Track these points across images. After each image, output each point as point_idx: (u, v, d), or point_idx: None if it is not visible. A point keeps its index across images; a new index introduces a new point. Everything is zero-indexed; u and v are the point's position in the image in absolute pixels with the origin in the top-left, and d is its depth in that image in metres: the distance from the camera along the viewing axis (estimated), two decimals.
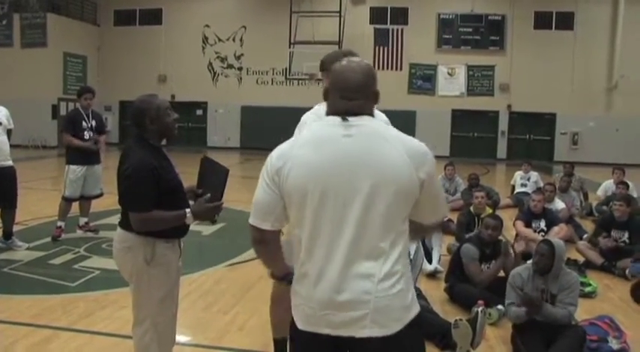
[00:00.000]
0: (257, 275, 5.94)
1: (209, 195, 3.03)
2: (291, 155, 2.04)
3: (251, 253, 6.81)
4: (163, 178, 2.99)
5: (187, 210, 3.02)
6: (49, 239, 6.98)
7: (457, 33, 23.09)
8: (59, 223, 7.08)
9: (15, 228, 6.77)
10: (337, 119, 2.06)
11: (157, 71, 24.43)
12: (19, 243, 6.63)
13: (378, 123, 2.20)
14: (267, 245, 2.18)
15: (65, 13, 23.88)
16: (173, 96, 24.21)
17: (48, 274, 5.62)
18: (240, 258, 6.65)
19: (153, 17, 24.98)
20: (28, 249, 6.64)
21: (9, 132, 6.65)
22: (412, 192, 2.03)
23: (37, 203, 7.33)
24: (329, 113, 2.12)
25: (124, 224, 3.07)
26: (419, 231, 2.27)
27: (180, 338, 4.43)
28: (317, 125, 2.14)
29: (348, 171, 1.99)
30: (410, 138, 2.22)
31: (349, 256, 1.99)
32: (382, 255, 2.00)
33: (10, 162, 6.51)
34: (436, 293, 5.41)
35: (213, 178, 3.16)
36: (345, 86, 2.11)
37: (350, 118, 2.06)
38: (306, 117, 3.70)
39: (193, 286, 5.56)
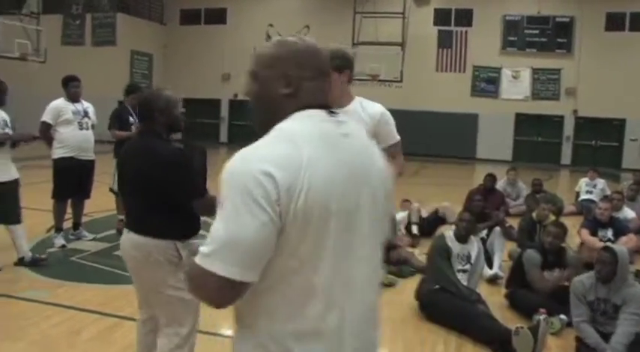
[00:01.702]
0: None
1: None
2: (304, 160, 1.38)
3: None
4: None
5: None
6: (113, 231, 7.20)
7: (523, 35, 22.58)
8: (120, 217, 7.31)
9: (82, 219, 7.05)
10: (323, 113, 1.55)
11: (221, 69, 24.83)
12: (86, 234, 6.90)
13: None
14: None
15: (134, 12, 24.58)
16: (236, 95, 24.59)
17: (113, 265, 5.79)
18: None
19: (217, 16, 25.40)
20: (94, 239, 6.90)
21: (93, 127, 6.96)
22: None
23: (101, 196, 7.56)
24: (304, 106, 1.53)
25: (140, 228, 2.89)
26: None
27: (229, 332, 4.51)
28: (309, 120, 1.50)
29: (354, 183, 1.48)
30: None
31: (366, 301, 1.55)
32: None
33: (93, 156, 6.78)
34: (496, 299, 5.32)
35: (197, 163, 3.07)
36: (326, 70, 1.64)
37: (337, 112, 1.60)
38: None
39: None
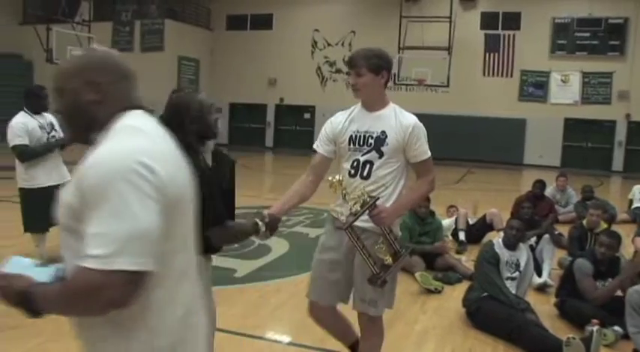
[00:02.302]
0: None
1: None
2: (164, 151, 1.54)
3: None
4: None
5: (257, 220, 2.82)
6: None
7: (572, 38, 22.08)
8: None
9: None
10: (144, 112, 1.63)
11: (267, 75, 25.02)
12: None
13: None
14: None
15: (181, 18, 25.00)
16: (282, 100, 24.76)
17: None
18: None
19: (264, 22, 25.62)
20: None
21: None
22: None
23: None
24: (118, 109, 1.56)
25: None
26: None
27: (284, 338, 4.54)
28: (142, 117, 1.59)
29: (186, 173, 1.66)
30: None
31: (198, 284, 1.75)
32: None
33: None
34: (545, 308, 5.20)
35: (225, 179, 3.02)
36: (130, 73, 1.65)
37: (153, 110, 1.69)
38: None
39: (300, 287, 5.62)
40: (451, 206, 8.42)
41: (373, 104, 3.15)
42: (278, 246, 7.26)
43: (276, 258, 6.80)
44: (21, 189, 5.67)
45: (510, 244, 4.96)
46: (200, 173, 2.49)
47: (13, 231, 6.01)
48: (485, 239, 7.36)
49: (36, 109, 5.67)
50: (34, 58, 23.80)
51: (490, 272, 4.79)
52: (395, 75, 20.85)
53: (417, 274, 5.71)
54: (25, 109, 5.65)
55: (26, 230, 5.78)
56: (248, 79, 24.85)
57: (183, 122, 2.64)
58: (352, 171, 3.10)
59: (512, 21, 22.48)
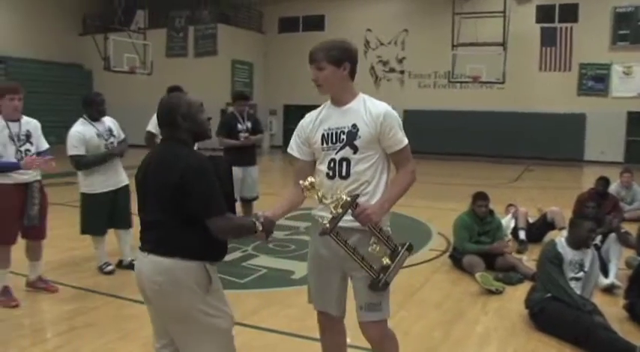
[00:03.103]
0: (422, 280, 5.89)
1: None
2: None
3: (416, 258, 6.76)
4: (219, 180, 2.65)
5: (254, 219, 2.70)
6: None
7: (636, 27, 21.20)
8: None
9: None
10: None
11: None
12: None
13: None
14: None
15: (233, 23, 25.32)
16: None
17: (219, 270, 5.82)
18: (406, 262, 6.56)
19: (316, 23, 25.68)
20: None
21: None
22: None
23: None
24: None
25: (164, 249, 2.55)
26: None
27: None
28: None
29: None
30: None
31: None
32: None
33: None
34: (613, 310, 4.98)
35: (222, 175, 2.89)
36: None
37: None
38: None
39: None
40: (510, 205, 8.22)
41: (340, 98, 2.99)
42: None
43: None
44: (81, 194, 5.85)
45: (574, 243, 4.77)
46: (200, 160, 2.56)
47: (78, 233, 6.18)
48: (547, 238, 7.17)
49: (94, 116, 5.80)
50: (93, 67, 24.58)
51: (553, 273, 4.63)
52: (449, 72, 20.59)
53: (477, 275, 5.59)
54: (84, 116, 5.79)
55: (83, 232, 5.94)
56: (301, 81, 24.86)
57: (175, 120, 2.65)
58: (330, 173, 2.93)
59: (570, 13, 21.83)
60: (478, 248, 6.14)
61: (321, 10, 25.49)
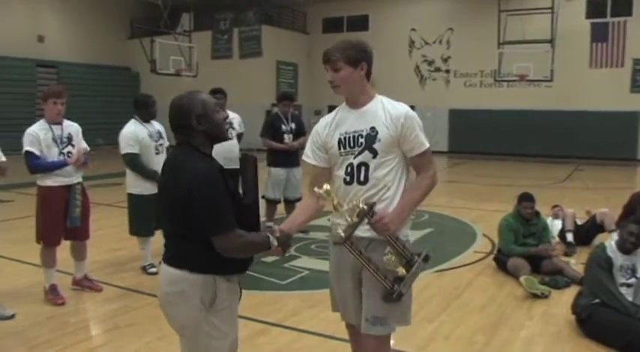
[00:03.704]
0: (465, 283, 5.79)
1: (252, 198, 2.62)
2: None
3: (460, 260, 6.66)
4: (230, 193, 2.46)
5: (269, 234, 2.55)
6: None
7: None
8: (268, 224, 7.46)
9: None
10: None
11: None
12: None
13: None
14: None
15: (277, 24, 25.46)
16: None
17: (261, 271, 5.92)
18: (448, 264, 6.51)
19: (360, 23, 25.58)
20: None
21: (240, 136, 7.22)
22: None
23: None
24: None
25: (174, 259, 2.47)
26: None
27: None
28: None
29: None
30: None
31: None
32: None
33: (238, 165, 7.01)
34: None
35: (247, 175, 2.80)
36: None
37: None
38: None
39: None
40: (555, 205, 8.01)
41: (357, 100, 2.87)
42: None
43: None
44: (129, 195, 5.95)
45: (626, 248, 4.60)
46: (206, 172, 2.38)
47: (124, 234, 6.30)
48: (596, 241, 6.96)
49: (145, 117, 5.94)
50: (140, 70, 25.09)
51: (602, 278, 4.47)
52: (495, 71, 20.24)
53: (521, 278, 5.44)
54: (136, 117, 5.92)
55: (131, 233, 6.04)
56: None
57: (190, 123, 2.47)
58: (347, 178, 2.82)
59: (623, 7, 21.13)
60: (523, 250, 5.99)
61: (365, 10, 25.38)
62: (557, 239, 7.26)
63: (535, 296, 5.28)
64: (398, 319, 2.85)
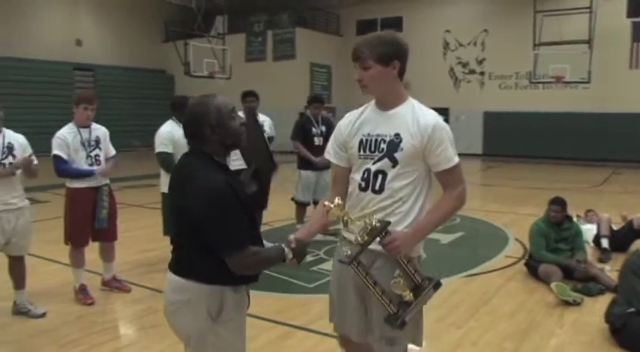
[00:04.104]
0: (495, 289, 5.69)
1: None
2: None
3: (490, 264, 6.55)
4: (243, 205, 2.35)
5: (284, 246, 2.43)
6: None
7: None
8: (298, 226, 7.47)
9: (262, 229, 7.32)
10: None
11: None
12: (264, 243, 7.15)
13: None
14: None
15: (311, 26, 25.50)
16: None
17: (289, 274, 5.91)
18: (479, 268, 6.42)
19: (393, 25, 25.35)
20: None
21: (270, 140, 7.26)
22: None
23: (281, 206, 7.84)
24: None
25: (181, 268, 2.41)
26: None
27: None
28: None
29: None
30: None
31: None
32: None
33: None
34: None
35: (261, 168, 2.72)
36: None
37: None
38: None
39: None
40: (588, 210, 7.83)
41: (386, 101, 2.63)
42: None
43: None
44: (163, 194, 5.99)
45: None
46: (214, 187, 2.25)
47: (155, 234, 6.36)
48: (633, 247, 6.78)
49: (182, 118, 5.98)
50: (175, 72, 25.43)
51: (637, 286, 4.34)
52: (530, 73, 19.92)
53: (552, 284, 5.30)
54: (173, 118, 6.00)
55: (165, 233, 6.09)
56: None
57: (202, 132, 2.35)
58: (363, 184, 2.60)
59: None
60: (555, 258, 5.84)
61: (398, 12, 25.24)
62: (592, 244, 7.10)
63: (567, 303, 5.15)
64: (407, 339, 2.68)
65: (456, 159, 2.56)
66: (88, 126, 5.26)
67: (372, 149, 2.60)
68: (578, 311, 5.03)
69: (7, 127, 4.86)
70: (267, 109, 7.28)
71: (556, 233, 6.01)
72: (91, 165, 5.17)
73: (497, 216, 9.52)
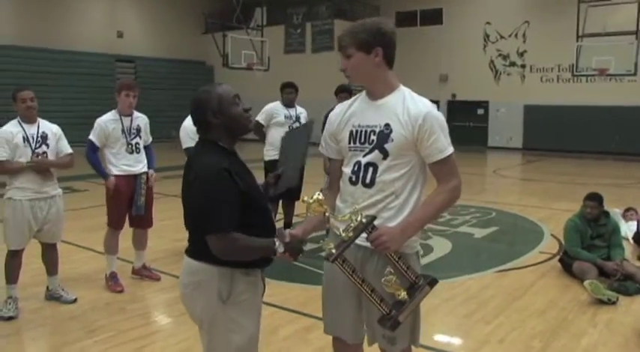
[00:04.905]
0: (527, 285, 5.57)
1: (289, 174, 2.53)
2: None
3: (524, 260, 6.42)
4: (242, 190, 2.32)
5: (276, 239, 2.37)
6: (323, 232, 7.35)
7: None
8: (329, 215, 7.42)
9: (294, 220, 7.34)
10: None
11: (438, 70, 24.54)
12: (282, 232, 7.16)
13: None
14: None
15: (350, 18, 25.29)
16: (454, 95, 24.16)
17: (316, 265, 5.86)
18: (512, 264, 6.31)
19: (433, 17, 25.16)
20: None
21: None
22: None
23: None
24: None
25: (193, 251, 2.44)
26: None
27: (436, 344, 4.29)
28: None
29: None
30: None
31: None
32: None
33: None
34: None
35: (292, 148, 2.62)
36: None
37: None
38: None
39: (458, 290, 5.39)
40: (628, 208, 7.61)
41: (375, 90, 2.51)
42: (440, 246, 7.05)
43: (436, 258, 6.57)
44: None
45: None
46: (209, 169, 2.29)
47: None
48: None
49: None
50: (214, 64, 25.66)
51: None
52: (573, 66, 19.44)
53: (586, 282, 5.13)
54: None
55: None
56: (419, 76, 24.41)
57: (206, 118, 2.42)
58: (353, 178, 2.50)
59: None
60: (588, 256, 5.66)
61: (438, 4, 24.91)
62: (632, 241, 6.90)
63: (601, 302, 5.00)
64: (405, 339, 2.57)
65: (450, 150, 2.44)
66: (130, 115, 5.41)
67: (362, 140, 2.50)
68: (613, 311, 4.87)
69: (50, 118, 5.01)
70: (306, 101, 7.24)
71: (592, 229, 5.84)
72: (131, 152, 5.36)
73: (533, 210, 9.33)
